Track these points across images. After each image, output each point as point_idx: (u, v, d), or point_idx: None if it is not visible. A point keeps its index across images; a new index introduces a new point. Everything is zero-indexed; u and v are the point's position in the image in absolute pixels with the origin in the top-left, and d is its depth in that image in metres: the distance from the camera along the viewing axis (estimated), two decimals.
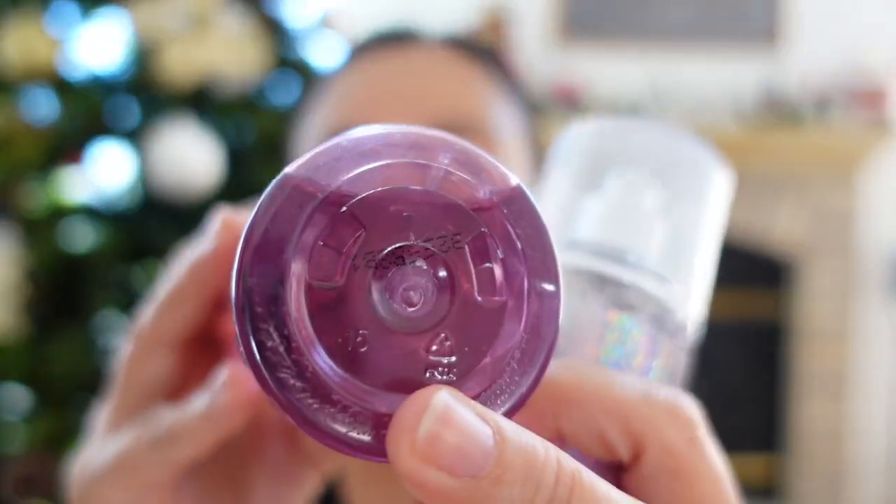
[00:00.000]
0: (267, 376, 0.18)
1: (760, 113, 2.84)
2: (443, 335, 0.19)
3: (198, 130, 1.58)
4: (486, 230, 0.19)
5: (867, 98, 2.83)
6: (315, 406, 0.18)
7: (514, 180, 0.20)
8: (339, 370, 0.18)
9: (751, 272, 2.88)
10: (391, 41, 0.57)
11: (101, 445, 0.29)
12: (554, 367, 0.22)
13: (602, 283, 0.26)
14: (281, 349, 0.18)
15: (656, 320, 0.26)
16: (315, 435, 0.18)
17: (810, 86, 2.85)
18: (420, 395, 0.17)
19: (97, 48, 1.67)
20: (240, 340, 0.18)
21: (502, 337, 0.19)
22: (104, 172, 1.66)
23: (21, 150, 1.56)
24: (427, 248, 0.19)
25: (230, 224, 0.27)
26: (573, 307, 0.26)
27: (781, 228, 2.87)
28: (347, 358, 0.18)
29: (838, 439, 2.87)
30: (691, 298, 0.28)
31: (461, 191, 0.19)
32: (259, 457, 0.32)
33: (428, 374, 0.19)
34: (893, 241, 2.92)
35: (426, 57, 0.55)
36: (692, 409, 0.23)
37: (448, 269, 0.19)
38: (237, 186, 1.61)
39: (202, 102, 1.63)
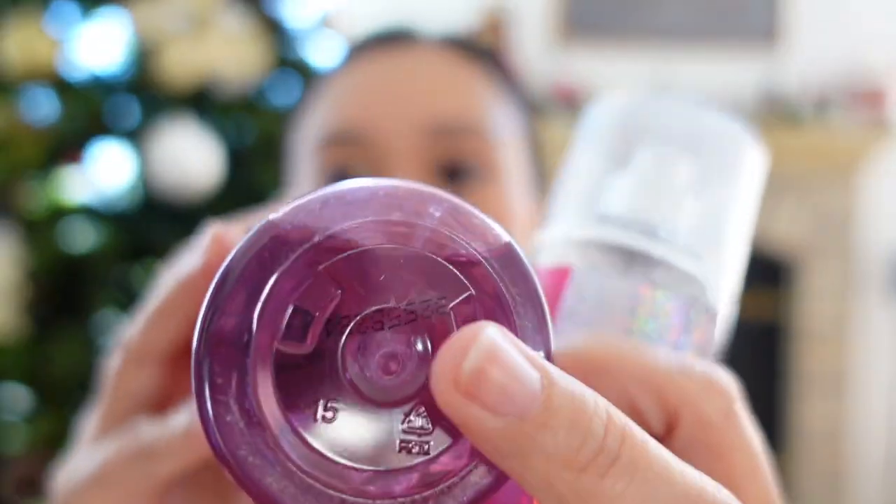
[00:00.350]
0: (225, 452, 0.17)
1: (760, 113, 2.84)
2: (420, 407, 0.17)
3: (198, 131, 1.58)
4: (473, 293, 0.18)
5: (867, 98, 2.83)
6: (280, 485, 0.17)
7: (506, 238, 0.19)
8: (305, 445, 0.17)
9: (750, 272, 2.86)
10: (389, 41, 0.56)
11: (84, 455, 0.29)
12: (583, 338, 0.22)
13: (632, 258, 0.25)
14: (241, 424, 0.17)
15: (688, 297, 0.26)
16: (260, 498, 0.17)
17: (810, 86, 2.85)
18: (467, 329, 0.16)
19: (97, 48, 1.67)
20: (197, 412, 0.17)
21: None
22: (104, 172, 1.66)
23: (21, 150, 1.56)
24: (409, 313, 0.17)
25: (220, 239, 0.26)
26: (602, 283, 0.25)
27: (781, 228, 2.87)
28: (315, 432, 0.17)
29: (838, 439, 2.87)
30: (723, 275, 0.27)
31: (449, 250, 0.18)
32: None
33: (400, 450, 0.17)
34: (893, 242, 2.92)
35: (424, 57, 0.55)
36: (729, 382, 0.22)
37: (431, 335, 0.17)
38: (237, 187, 1.61)
39: (202, 103, 1.63)
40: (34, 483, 1.46)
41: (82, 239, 1.58)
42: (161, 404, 0.29)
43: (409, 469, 0.17)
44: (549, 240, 0.27)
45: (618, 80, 2.86)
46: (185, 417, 0.27)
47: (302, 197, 0.18)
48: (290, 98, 1.72)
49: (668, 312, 0.25)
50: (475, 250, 0.18)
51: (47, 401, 1.53)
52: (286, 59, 1.74)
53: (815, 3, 2.90)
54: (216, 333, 0.17)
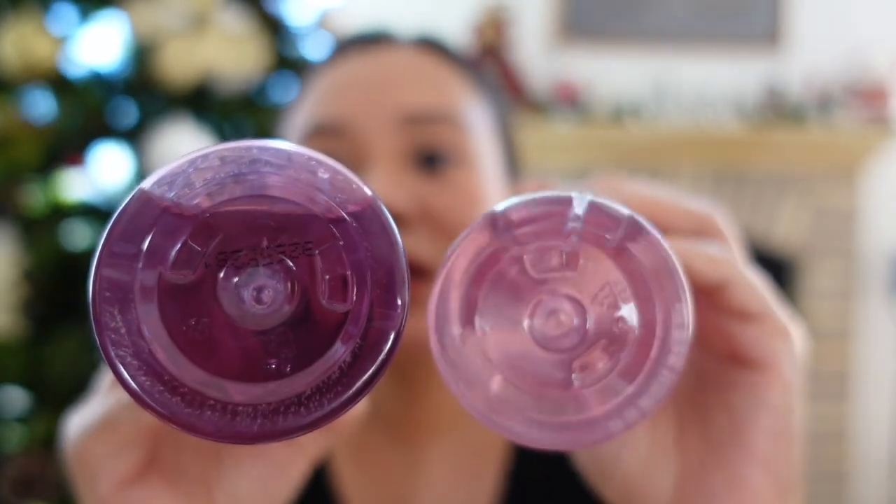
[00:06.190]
0: (109, 353, 0.20)
1: (762, 112, 2.83)
2: (284, 332, 0.20)
3: (197, 129, 1.58)
4: (339, 241, 0.21)
5: (869, 97, 2.82)
6: (148, 384, 0.20)
7: (370, 194, 0.21)
8: (178, 355, 0.20)
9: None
10: (369, 41, 0.60)
11: (94, 404, 0.32)
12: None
13: None
14: (122, 331, 0.20)
15: None
16: (149, 409, 0.20)
17: (812, 85, 2.85)
18: None
19: (97, 48, 1.67)
20: (91, 320, 0.20)
21: (337, 344, 0.21)
22: (104, 172, 1.66)
23: (21, 150, 1.56)
24: (279, 253, 0.20)
25: None
26: None
27: (783, 228, 2.86)
28: (187, 344, 0.20)
29: (840, 439, 2.86)
30: None
31: (319, 202, 0.21)
32: None
33: (268, 366, 0.20)
34: (895, 241, 2.91)
35: (400, 55, 0.58)
36: (718, 213, 0.33)
37: (297, 273, 0.21)
38: None
39: (201, 101, 1.63)
40: (30, 483, 1.46)
41: (81, 238, 1.58)
42: None
43: (277, 380, 0.20)
44: None
45: (619, 79, 2.85)
46: None
47: (189, 154, 0.21)
48: (289, 97, 1.71)
49: None
50: (341, 203, 0.21)
51: (44, 401, 1.53)
52: (285, 58, 1.73)
53: (817, 3, 2.89)
54: (111, 257, 0.20)
